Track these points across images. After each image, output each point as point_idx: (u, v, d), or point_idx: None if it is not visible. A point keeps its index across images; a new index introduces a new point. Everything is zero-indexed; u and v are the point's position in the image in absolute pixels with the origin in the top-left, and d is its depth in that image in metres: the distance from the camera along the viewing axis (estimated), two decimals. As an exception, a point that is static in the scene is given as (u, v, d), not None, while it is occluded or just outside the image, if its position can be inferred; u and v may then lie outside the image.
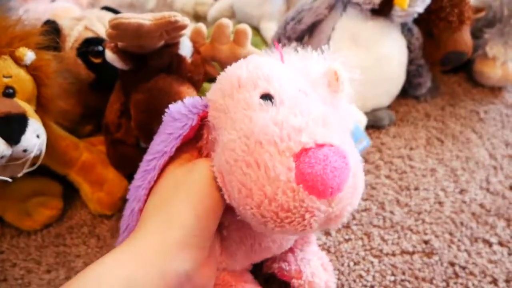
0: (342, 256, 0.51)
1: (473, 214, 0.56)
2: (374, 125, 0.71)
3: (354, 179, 0.30)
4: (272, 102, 0.31)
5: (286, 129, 0.29)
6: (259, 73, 0.33)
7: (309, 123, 0.30)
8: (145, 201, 0.34)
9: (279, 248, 0.42)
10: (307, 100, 0.32)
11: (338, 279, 0.48)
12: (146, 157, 0.36)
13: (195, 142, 0.37)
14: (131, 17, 0.41)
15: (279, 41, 0.71)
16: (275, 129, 0.29)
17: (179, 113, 0.34)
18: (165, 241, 0.29)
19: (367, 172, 0.63)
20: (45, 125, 0.49)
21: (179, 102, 0.35)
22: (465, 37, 0.73)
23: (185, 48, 0.53)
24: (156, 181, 0.34)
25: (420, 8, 0.63)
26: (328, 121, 0.31)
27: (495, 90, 0.82)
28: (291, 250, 0.46)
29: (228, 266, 0.41)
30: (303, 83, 0.35)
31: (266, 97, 0.32)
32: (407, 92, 0.77)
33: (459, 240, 0.52)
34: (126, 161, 0.57)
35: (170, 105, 0.35)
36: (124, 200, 0.40)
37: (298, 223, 0.28)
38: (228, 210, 0.35)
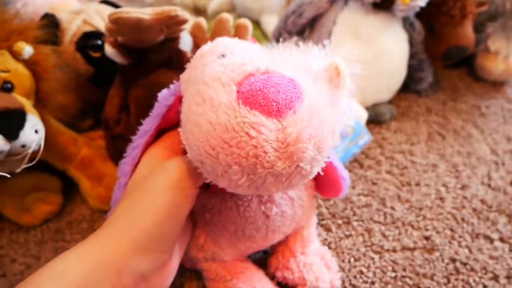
0: (342, 252, 0.51)
1: (475, 210, 0.56)
2: (375, 120, 0.71)
3: (312, 107, 0.28)
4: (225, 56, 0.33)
5: (229, 66, 0.30)
6: (219, 42, 0.35)
7: (253, 59, 0.30)
8: (130, 176, 0.36)
9: (265, 239, 0.41)
10: (261, 52, 0.33)
11: (339, 275, 0.48)
12: (134, 137, 0.38)
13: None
14: (131, 12, 0.40)
15: (279, 35, 0.70)
16: (220, 68, 0.30)
17: (162, 97, 0.36)
18: (124, 243, 0.30)
19: (368, 167, 0.63)
20: (43, 120, 0.48)
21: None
22: (467, 31, 0.73)
23: (185, 43, 0.52)
24: (139, 158, 0.37)
25: (422, 2, 0.62)
26: (279, 61, 0.31)
27: (497, 85, 0.81)
28: (292, 254, 0.45)
29: (216, 255, 0.41)
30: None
31: (223, 57, 0.33)
32: (408, 86, 0.77)
33: (460, 236, 0.52)
34: (126, 156, 0.57)
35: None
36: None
37: (246, 144, 0.27)
38: (212, 193, 0.35)
